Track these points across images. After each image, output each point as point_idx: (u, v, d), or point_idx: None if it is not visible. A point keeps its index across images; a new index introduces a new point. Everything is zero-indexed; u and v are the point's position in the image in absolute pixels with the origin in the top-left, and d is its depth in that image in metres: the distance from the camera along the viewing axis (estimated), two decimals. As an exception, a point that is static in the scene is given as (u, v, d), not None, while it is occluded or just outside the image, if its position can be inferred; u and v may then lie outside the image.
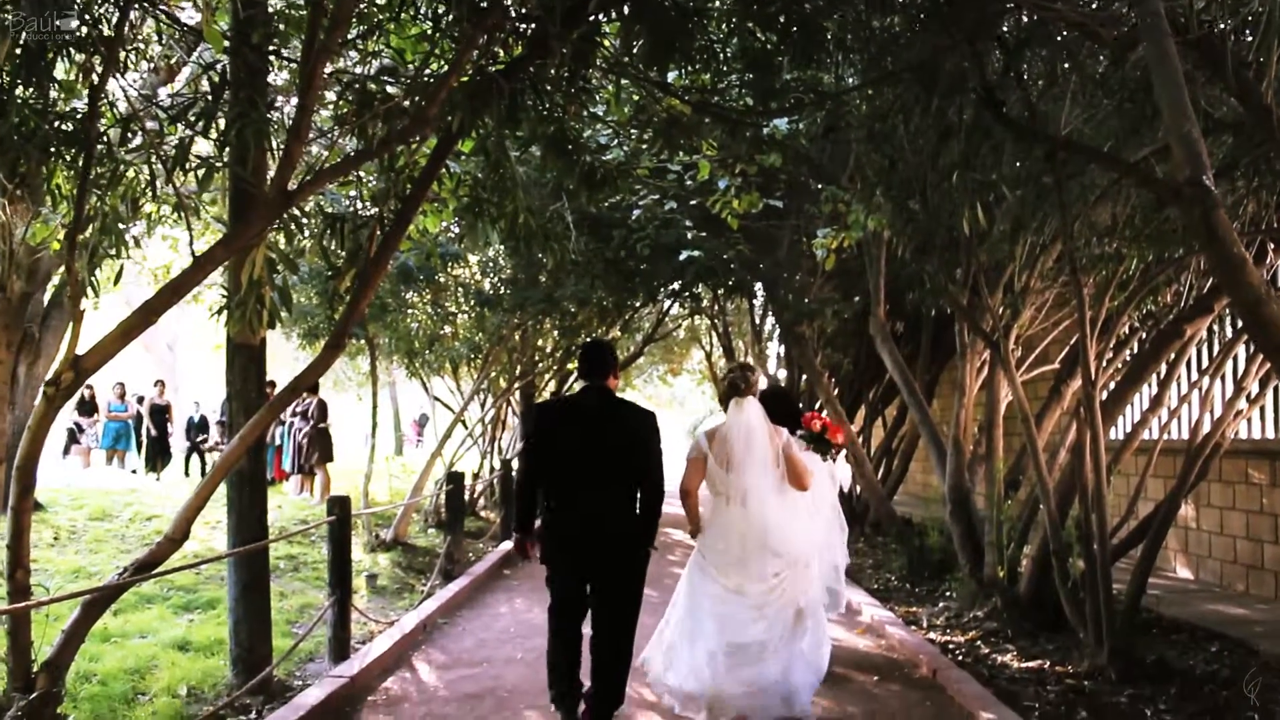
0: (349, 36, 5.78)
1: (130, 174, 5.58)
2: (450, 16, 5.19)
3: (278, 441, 16.12)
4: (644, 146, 8.30)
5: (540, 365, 17.14)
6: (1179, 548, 10.28)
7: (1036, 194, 6.76)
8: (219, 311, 5.88)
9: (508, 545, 12.53)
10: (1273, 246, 6.85)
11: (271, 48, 6.21)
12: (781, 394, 6.19)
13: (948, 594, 9.22)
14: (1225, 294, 6.17)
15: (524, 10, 5.42)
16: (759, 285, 13.57)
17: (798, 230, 11.45)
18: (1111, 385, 7.86)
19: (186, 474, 19.58)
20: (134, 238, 6.47)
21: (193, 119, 5.14)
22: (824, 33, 5.94)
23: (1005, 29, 6.17)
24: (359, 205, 7.14)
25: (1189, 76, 4.54)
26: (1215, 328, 8.98)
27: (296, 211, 5.81)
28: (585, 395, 5.53)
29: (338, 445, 15.96)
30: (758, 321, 18.37)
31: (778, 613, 5.51)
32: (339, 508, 7.08)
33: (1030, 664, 6.84)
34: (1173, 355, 7.30)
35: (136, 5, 5.25)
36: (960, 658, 7.08)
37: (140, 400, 20.39)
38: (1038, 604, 7.58)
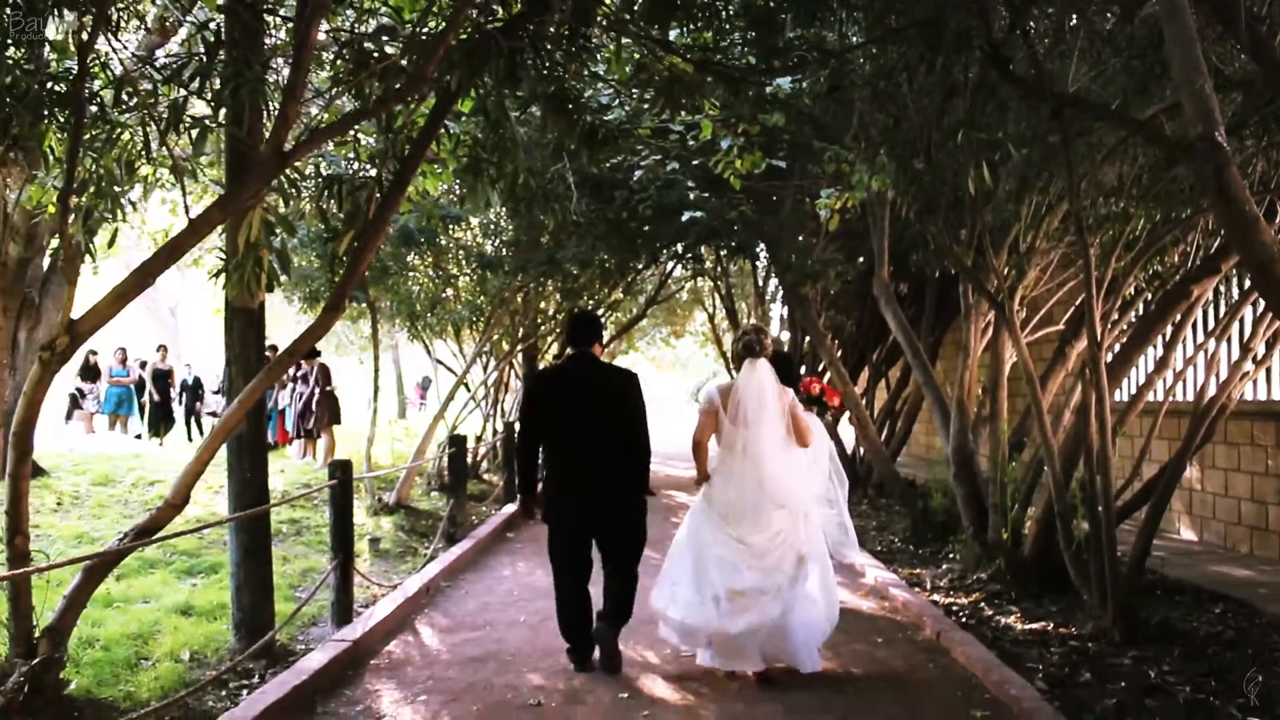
0: (344, -6, 5.70)
1: (125, 136, 5.51)
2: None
3: (281, 405, 16.13)
4: (645, 106, 8.20)
5: (543, 328, 17.10)
6: (1183, 509, 10.27)
7: (1043, 153, 6.68)
8: (216, 275, 5.83)
9: (511, 508, 12.56)
10: (1283, 205, 6.78)
11: (267, 6, 6.11)
12: (784, 358, 6.51)
13: (951, 556, 9.22)
14: (1236, 253, 6.10)
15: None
16: (762, 246, 13.48)
17: (801, 191, 11.35)
18: (1117, 347, 7.81)
19: (190, 438, 19.62)
20: (130, 201, 6.39)
21: (187, 79, 5.06)
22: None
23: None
24: (357, 167, 7.06)
25: (1199, 33, 4.45)
26: (1222, 289, 8.90)
27: (294, 173, 5.75)
28: (574, 362, 6.15)
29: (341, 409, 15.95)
30: (761, 283, 18.31)
31: (778, 561, 5.77)
32: (340, 471, 7.06)
33: (1034, 626, 6.83)
34: (1179, 316, 7.24)
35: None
36: (964, 620, 7.07)
37: (143, 365, 20.38)
38: (1042, 566, 7.56)
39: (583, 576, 6.06)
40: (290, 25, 6.60)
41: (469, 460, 13.80)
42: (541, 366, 17.72)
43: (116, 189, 5.55)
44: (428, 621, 7.29)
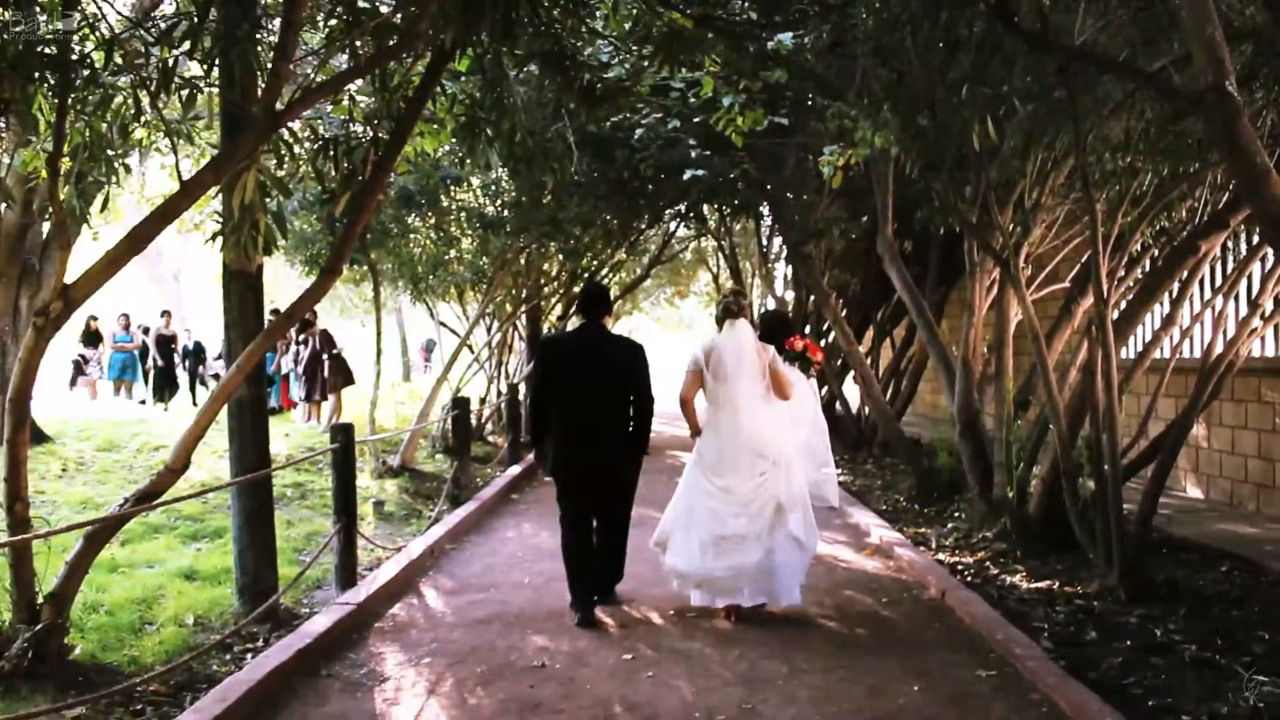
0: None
1: (118, 99, 5.42)
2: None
3: (284, 370, 16.11)
4: (645, 63, 8.09)
5: (546, 289, 17.04)
6: (1190, 467, 10.24)
7: (1048, 108, 6.58)
8: (213, 237, 5.77)
9: (515, 470, 12.60)
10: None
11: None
12: (781, 318, 6.81)
13: (957, 515, 9.20)
14: (1247, 206, 6.02)
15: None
16: (765, 205, 13.37)
17: (804, 148, 11.25)
18: (1123, 304, 7.74)
19: (194, 403, 19.63)
20: (125, 165, 6.32)
21: (178, 39, 4.97)
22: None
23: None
24: (353, 128, 6.97)
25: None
26: (1230, 244, 8.82)
27: (288, 134, 5.68)
28: (585, 330, 6.56)
29: (344, 372, 15.94)
30: (764, 242, 18.22)
31: (760, 508, 6.23)
32: (342, 435, 7.03)
33: (1039, 584, 6.82)
34: (1186, 273, 7.16)
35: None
36: (969, 578, 7.06)
37: (146, 331, 20.36)
38: (1047, 524, 7.54)
39: (586, 524, 6.48)
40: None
41: (473, 422, 13.79)
42: (547, 330, 17.74)
43: (110, 152, 5.48)
44: (432, 584, 7.29)
